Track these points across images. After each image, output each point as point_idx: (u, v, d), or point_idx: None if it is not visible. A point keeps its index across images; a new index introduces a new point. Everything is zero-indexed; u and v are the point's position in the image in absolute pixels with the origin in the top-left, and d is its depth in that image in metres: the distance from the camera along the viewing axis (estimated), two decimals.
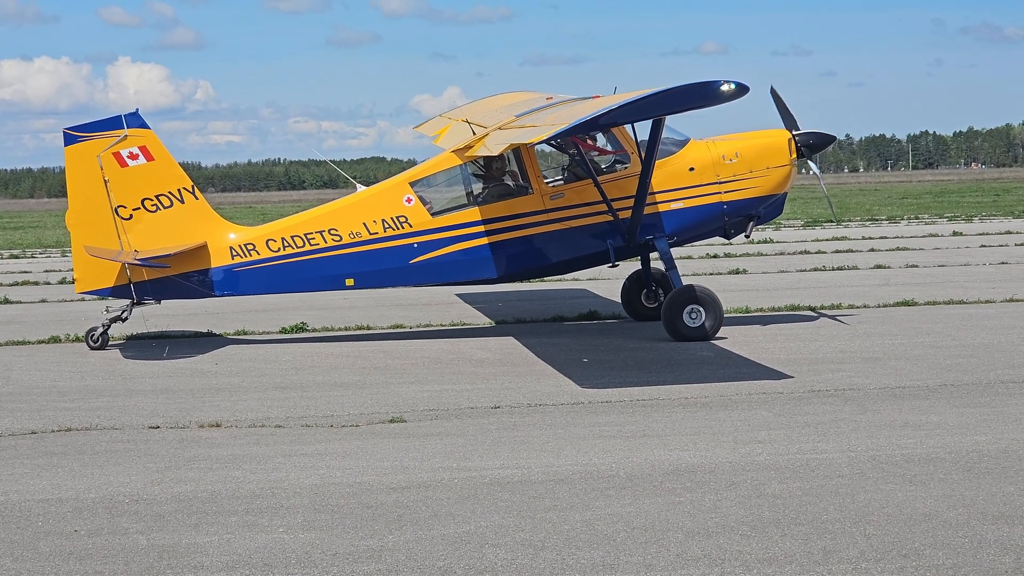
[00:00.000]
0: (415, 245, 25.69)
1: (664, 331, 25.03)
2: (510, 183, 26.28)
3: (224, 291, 25.69)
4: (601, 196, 25.56)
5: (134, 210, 25.46)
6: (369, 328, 27.79)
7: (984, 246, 45.34)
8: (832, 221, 60.44)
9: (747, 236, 27.22)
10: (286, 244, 25.65)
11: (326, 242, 25.63)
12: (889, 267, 38.24)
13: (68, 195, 25.71)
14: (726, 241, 28.94)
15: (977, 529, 11.93)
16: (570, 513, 12.85)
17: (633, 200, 25.37)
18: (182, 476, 14.90)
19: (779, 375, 20.57)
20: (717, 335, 24.80)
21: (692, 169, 26.17)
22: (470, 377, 21.57)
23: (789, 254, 43.83)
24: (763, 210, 26.69)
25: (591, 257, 26.45)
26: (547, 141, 23.55)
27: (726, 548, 11.59)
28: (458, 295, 33.18)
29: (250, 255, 25.60)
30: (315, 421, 18.08)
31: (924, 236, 51.44)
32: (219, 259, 25.57)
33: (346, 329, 27.73)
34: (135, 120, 25.58)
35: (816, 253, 43.60)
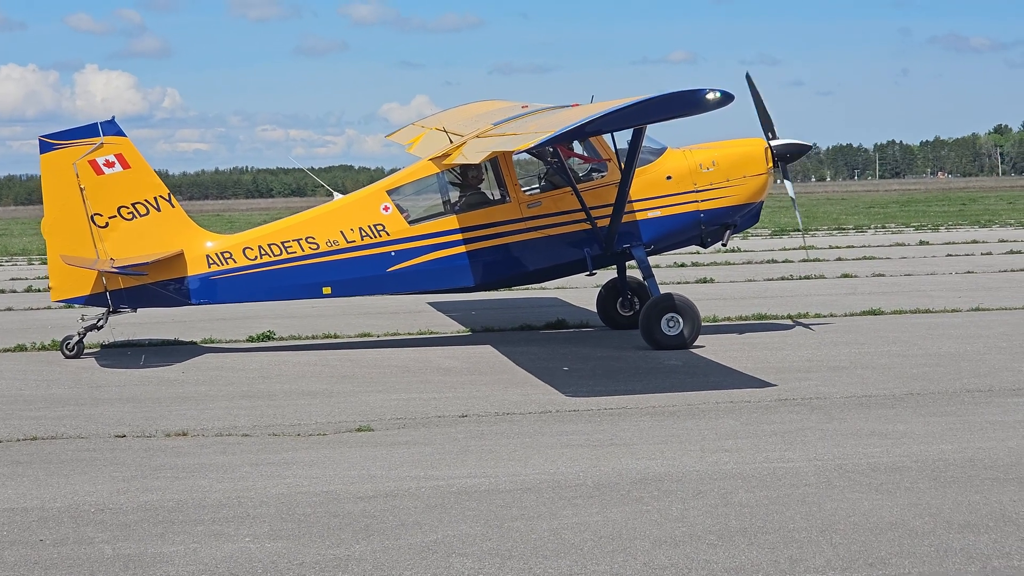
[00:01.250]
0: (392, 253, 25.66)
1: (639, 339, 25.06)
2: (487, 191, 26.29)
3: (201, 299, 25.58)
4: (580, 204, 25.63)
5: (110, 218, 25.32)
6: (336, 336, 27.74)
7: (950, 255, 45.52)
8: (799, 231, 60.19)
9: (724, 245, 27.40)
10: (263, 252, 25.55)
11: (303, 250, 25.56)
12: (856, 276, 38.38)
13: (44, 203, 25.53)
14: (695, 250, 29.06)
15: (943, 538, 11.97)
16: (537, 522, 12.85)
17: (611, 208, 25.47)
18: (148, 485, 14.84)
19: (753, 383, 20.62)
20: (695, 344, 24.83)
21: (669, 178, 26.34)
22: (438, 386, 21.55)
23: (756, 263, 43.93)
24: (739, 219, 26.84)
25: (569, 266, 26.51)
26: (531, 150, 23.54)
27: (693, 557, 11.60)
28: (429, 303, 33.15)
29: (227, 263, 25.50)
30: (282, 430, 18.05)
31: (891, 245, 51.61)
32: (196, 267, 25.47)
33: (313, 337, 27.67)
34: (111, 128, 25.42)
35: (783, 262, 43.71)
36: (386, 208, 25.76)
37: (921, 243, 52.16)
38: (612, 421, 18.03)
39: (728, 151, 26.62)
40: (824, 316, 28.85)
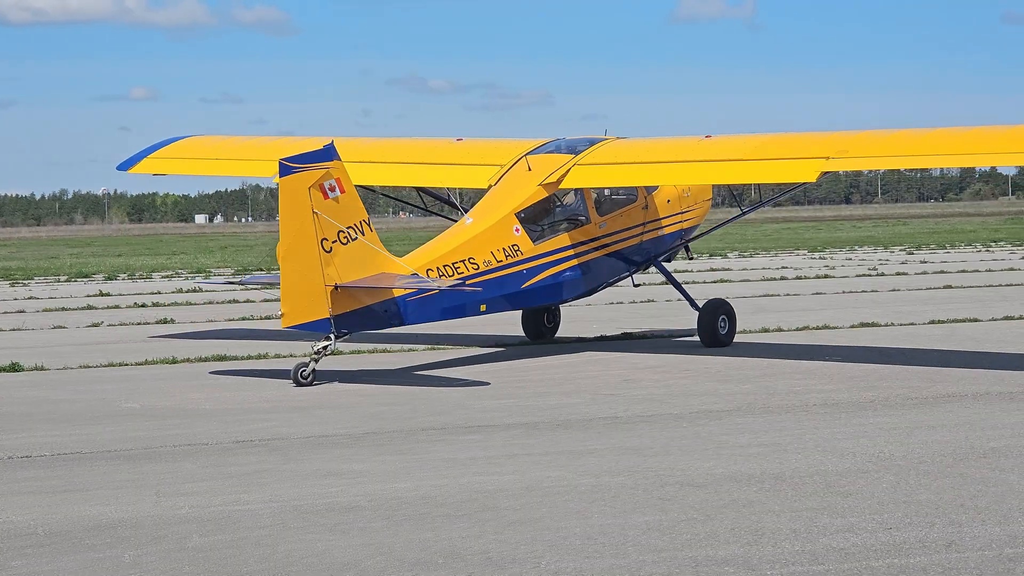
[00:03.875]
0: (525, 271, 27.72)
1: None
2: (575, 214, 29.30)
3: (405, 321, 25.80)
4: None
5: (332, 243, 24.38)
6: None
7: None
8: None
9: (691, 258, 35.37)
10: (441, 274, 26.15)
11: (468, 271, 26.58)
12: None
13: (280, 227, 24.49)
14: None
15: None
16: None
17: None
18: None
19: (205, 420, 20.55)
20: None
21: (669, 201, 30.68)
22: None
23: None
24: (691, 237, 31.82)
25: (622, 278, 30.64)
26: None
27: None
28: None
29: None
30: None
31: None
32: (397, 290, 25.28)
33: None
34: (333, 153, 24.52)
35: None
36: (516, 229, 27.70)
37: None
38: (67, 466, 17.60)
39: None
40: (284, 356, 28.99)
